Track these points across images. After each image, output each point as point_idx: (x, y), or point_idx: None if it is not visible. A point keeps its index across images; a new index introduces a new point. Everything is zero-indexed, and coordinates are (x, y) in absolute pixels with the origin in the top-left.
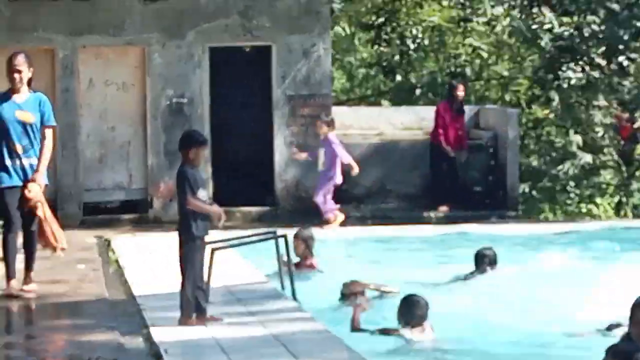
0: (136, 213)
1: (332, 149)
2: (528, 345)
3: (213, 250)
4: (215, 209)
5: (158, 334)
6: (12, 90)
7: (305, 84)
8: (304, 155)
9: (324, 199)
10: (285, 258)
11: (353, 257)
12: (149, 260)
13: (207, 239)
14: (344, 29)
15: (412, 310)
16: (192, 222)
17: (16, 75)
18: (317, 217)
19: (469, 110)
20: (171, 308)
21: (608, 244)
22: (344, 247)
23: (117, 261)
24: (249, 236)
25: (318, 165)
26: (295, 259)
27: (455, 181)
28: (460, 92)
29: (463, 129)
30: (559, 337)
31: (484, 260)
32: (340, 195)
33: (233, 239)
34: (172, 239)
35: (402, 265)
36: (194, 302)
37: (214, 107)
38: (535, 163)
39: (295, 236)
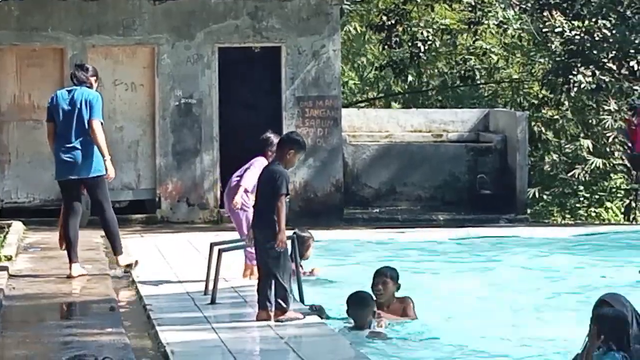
0: (144, 213)
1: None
2: None
3: (220, 252)
4: (283, 235)
5: (165, 335)
6: None
7: (315, 85)
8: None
9: None
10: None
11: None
12: (156, 260)
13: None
14: (355, 28)
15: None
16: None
17: None
18: (326, 219)
19: (479, 113)
20: (179, 309)
21: None
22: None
23: None
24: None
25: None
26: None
27: None
28: None
29: None
30: None
31: None
32: (348, 197)
33: (240, 240)
34: (179, 239)
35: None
36: (290, 294)
37: (223, 108)
38: (545, 167)
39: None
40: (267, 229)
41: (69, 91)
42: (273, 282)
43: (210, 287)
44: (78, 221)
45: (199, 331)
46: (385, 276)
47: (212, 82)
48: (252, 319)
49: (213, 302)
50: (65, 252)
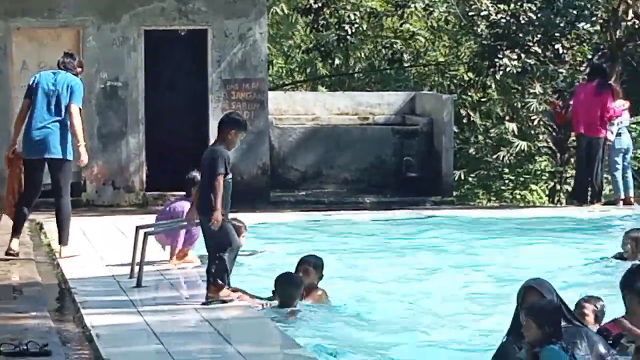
0: None
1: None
2: None
3: (146, 235)
4: (218, 214)
5: (90, 319)
6: None
7: (241, 68)
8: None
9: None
10: None
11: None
12: (81, 243)
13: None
14: (282, 11)
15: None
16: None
17: None
18: (252, 202)
19: (405, 96)
20: (104, 292)
21: None
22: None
23: (49, 245)
24: (182, 220)
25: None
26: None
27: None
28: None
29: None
30: None
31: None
32: (274, 180)
33: (166, 223)
34: (105, 222)
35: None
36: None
37: (149, 91)
38: (471, 150)
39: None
40: (208, 209)
41: (54, 73)
42: (216, 260)
43: (136, 270)
44: (33, 203)
45: (125, 314)
46: (308, 264)
47: (138, 65)
48: (178, 301)
49: (139, 285)
50: None
